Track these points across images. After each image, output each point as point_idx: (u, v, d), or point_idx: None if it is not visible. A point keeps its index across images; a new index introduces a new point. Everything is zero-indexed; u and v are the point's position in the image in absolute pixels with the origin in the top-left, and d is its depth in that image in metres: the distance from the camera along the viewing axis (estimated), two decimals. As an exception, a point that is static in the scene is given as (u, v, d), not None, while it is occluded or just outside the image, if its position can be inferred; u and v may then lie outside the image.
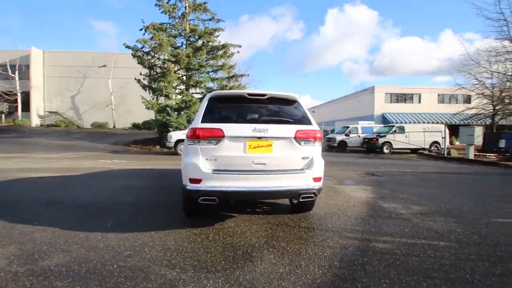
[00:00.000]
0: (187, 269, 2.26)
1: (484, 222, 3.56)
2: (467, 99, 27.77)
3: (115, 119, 29.66)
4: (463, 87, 20.78)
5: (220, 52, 18.94)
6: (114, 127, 29.56)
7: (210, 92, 19.74)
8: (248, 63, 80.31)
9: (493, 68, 17.01)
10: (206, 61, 18.83)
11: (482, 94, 19.89)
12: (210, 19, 18.87)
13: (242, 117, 3.13)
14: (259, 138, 2.88)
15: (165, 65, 16.27)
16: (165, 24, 17.96)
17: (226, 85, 18.43)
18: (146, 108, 17.91)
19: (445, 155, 13.81)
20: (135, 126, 28.48)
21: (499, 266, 2.36)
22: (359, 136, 18.82)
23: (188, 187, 2.83)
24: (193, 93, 19.48)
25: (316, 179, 3.03)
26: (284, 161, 2.98)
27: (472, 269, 2.28)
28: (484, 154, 12.82)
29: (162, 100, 19.44)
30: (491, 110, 19.52)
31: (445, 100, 31.28)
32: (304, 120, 3.15)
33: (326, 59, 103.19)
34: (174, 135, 13.07)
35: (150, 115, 21.02)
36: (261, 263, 2.37)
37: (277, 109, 3.23)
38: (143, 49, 18.16)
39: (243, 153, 2.88)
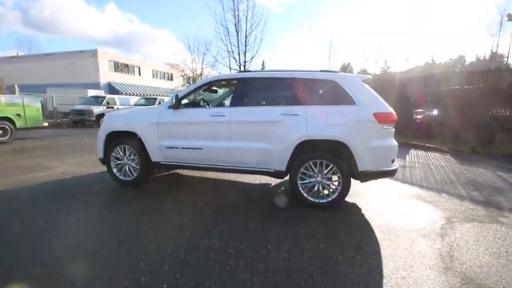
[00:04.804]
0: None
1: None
2: (171, 77, 34.56)
3: None
4: (176, 68, 28.01)
5: None
6: None
7: None
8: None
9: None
10: None
11: (184, 75, 28.11)
12: None
13: None
14: None
15: None
16: None
17: None
18: None
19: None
20: None
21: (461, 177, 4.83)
22: (118, 108, 16.60)
23: (389, 168, 3.13)
24: None
25: None
26: None
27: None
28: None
29: None
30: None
31: (157, 76, 34.97)
32: None
33: None
34: None
35: None
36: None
37: None
38: None
39: None
